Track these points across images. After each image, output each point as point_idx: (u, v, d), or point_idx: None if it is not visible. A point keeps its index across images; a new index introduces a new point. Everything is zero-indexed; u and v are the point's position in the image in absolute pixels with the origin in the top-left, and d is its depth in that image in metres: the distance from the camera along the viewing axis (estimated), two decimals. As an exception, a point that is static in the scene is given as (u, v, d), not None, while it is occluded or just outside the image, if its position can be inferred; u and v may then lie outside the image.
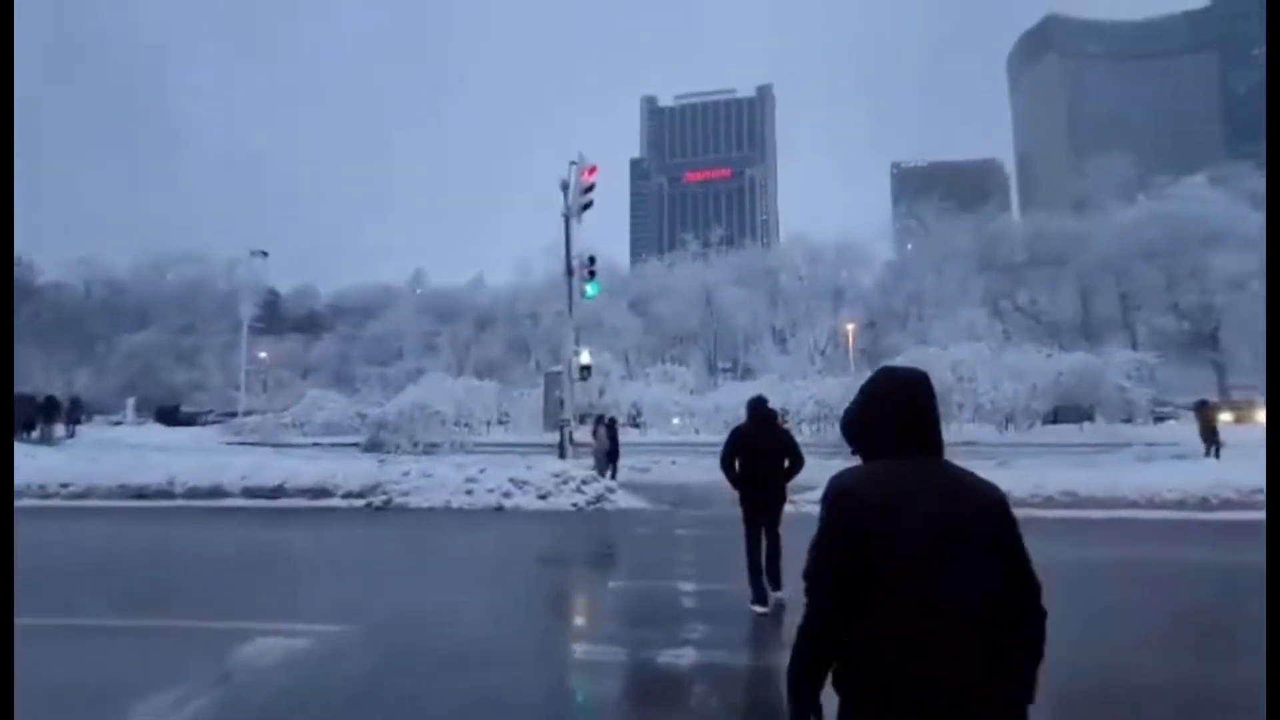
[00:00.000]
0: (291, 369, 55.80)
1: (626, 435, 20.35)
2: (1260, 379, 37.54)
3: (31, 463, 13.07)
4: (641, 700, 3.90)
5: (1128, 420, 22.82)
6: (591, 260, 15.90)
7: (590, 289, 16.02)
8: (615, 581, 6.71)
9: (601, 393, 29.22)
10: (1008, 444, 20.33)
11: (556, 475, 12.24)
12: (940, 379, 24.42)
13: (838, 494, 1.43)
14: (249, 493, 12.05)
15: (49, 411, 22.10)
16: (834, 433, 17.54)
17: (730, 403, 27.53)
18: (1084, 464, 14.30)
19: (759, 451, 5.28)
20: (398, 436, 22.44)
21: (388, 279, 70.63)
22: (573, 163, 15.40)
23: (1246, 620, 5.25)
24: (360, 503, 11.65)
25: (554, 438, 16.79)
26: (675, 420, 31.20)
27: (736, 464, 5.34)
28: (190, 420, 40.52)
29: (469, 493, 11.75)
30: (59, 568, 6.75)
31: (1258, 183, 45.09)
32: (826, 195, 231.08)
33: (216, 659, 4.19)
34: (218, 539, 9.05)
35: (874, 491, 1.40)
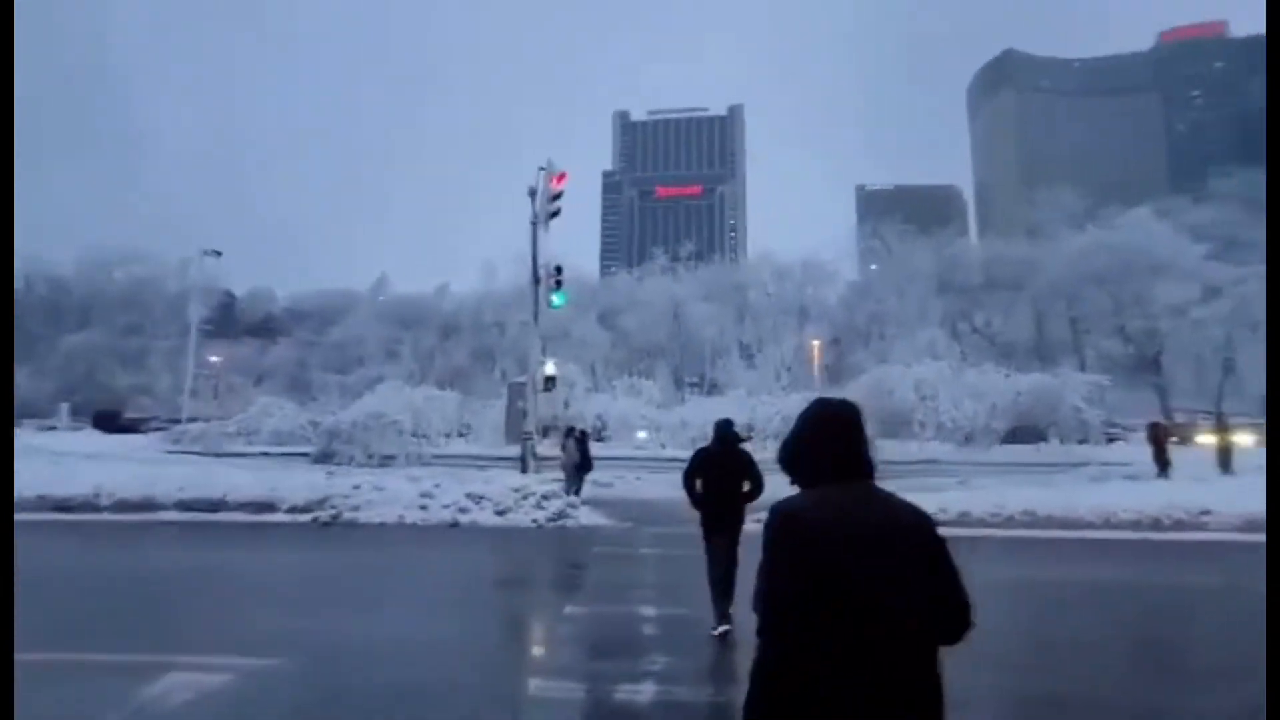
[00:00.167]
0: (245, 375, 53.59)
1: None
2: (1201, 403, 39.39)
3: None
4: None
5: (1082, 441, 23.49)
6: (558, 269, 15.62)
7: (556, 298, 15.73)
8: (572, 606, 6.37)
9: (567, 405, 28.75)
10: (968, 462, 20.65)
11: (516, 490, 11.84)
12: (903, 397, 24.77)
13: (782, 518, 1.53)
14: (185, 506, 11.32)
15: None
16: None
17: (697, 418, 27.37)
18: (1041, 483, 14.55)
19: (721, 473, 5.42)
20: (351, 447, 21.51)
21: (350, 284, 68.85)
22: (541, 169, 15.15)
23: (1211, 643, 5.24)
24: (306, 518, 11.03)
25: (516, 450, 16.35)
26: (641, 434, 30.91)
27: (698, 484, 5.49)
28: (132, 427, 38.42)
29: (423, 508, 11.25)
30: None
31: (1197, 216, 47.71)
32: (794, 214, 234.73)
33: (119, 699, 3.74)
34: (144, 558, 8.38)
35: (816, 515, 1.51)
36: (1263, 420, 34.47)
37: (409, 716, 3.69)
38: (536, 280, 15.69)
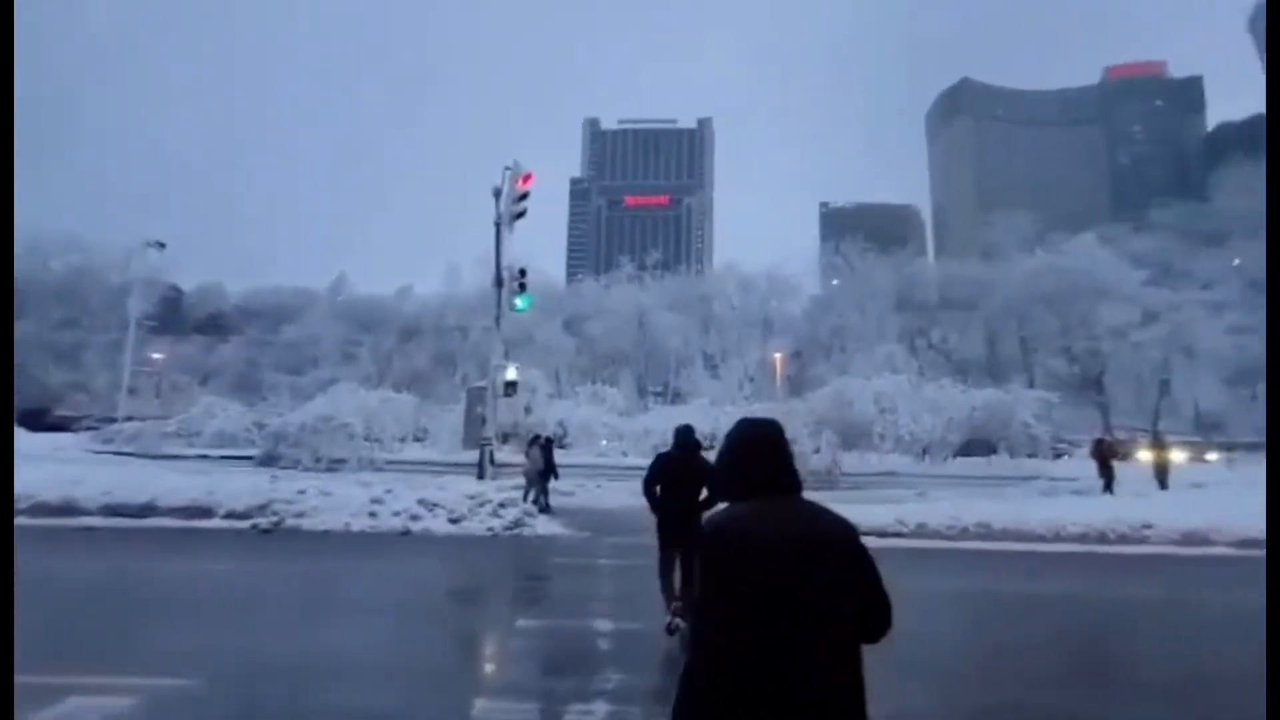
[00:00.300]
0: (190, 373, 51.11)
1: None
2: (1139, 421, 41.30)
3: None
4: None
5: (1031, 455, 24.22)
6: (522, 272, 15.30)
7: (520, 301, 15.40)
8: (525, 620, 6.08)
9: (528, 411, 28.27)
10: (924, 475, 21.04)
11: (472, 497, 11.43)
12: (863, 410, 25.14)
13: (715, 531, 1.57)
14: (110, 510, 10.54)
15: None
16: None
17: (659, 426, 27.27)
18: (994, 496, 14.83)
19: (681, 479, 5.38)
20: (298, 451, 20.56)
21: (307, 282, 66.56)
22: (507, 168, 14.84)
23: (1154, 655, 5.29)
24: (245, 524, 10.40)
25: (474, 456, 15.88)
26: (603, 442, 30.63)
27: (658, 489, 5.46)
28: (62, 425, 36.15)
29: (373, 515, 10.74)
30: None
31: (1138, 244, 50.22)
32: (759, 228, 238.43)
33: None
34: (56, 566, 7.70)
35: (756, 526, 1.56)
36: (1196, 439, 36.43)
37: (336, 743, 3.38)
38: (500, 282, 15.33)
